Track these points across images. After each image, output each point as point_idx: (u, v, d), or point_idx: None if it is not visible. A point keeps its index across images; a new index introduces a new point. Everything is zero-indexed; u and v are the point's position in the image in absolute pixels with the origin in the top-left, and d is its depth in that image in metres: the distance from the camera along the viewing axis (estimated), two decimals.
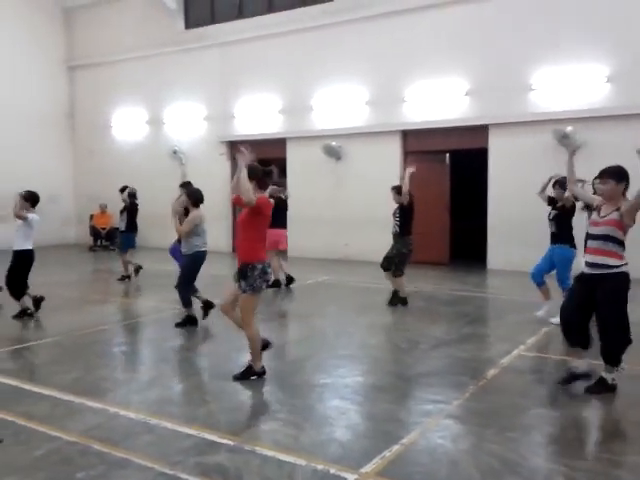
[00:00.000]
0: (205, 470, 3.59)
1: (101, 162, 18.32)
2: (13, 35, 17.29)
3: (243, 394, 5.00)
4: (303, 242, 14.76)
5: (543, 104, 11.83)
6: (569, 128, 11.29)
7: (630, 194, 4.81)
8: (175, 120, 16.95)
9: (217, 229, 15.88)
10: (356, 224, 13.86)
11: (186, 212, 7.66)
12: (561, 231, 7.35)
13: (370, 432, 4.23)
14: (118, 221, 11.57)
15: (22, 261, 7.89)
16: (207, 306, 7.65)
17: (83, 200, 18.76)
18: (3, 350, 6.38)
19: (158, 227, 14.56)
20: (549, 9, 11.67)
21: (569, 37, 11.48)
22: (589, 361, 5.04)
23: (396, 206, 8.64)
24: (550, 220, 7.48)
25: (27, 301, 8.11)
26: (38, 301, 8.18)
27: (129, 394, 5.07)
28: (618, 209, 4.76)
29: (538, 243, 11.10)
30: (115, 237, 11.57)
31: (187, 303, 7.44)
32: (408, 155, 13.76)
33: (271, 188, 8.62)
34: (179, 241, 7.99)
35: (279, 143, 15.18)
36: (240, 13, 15.88)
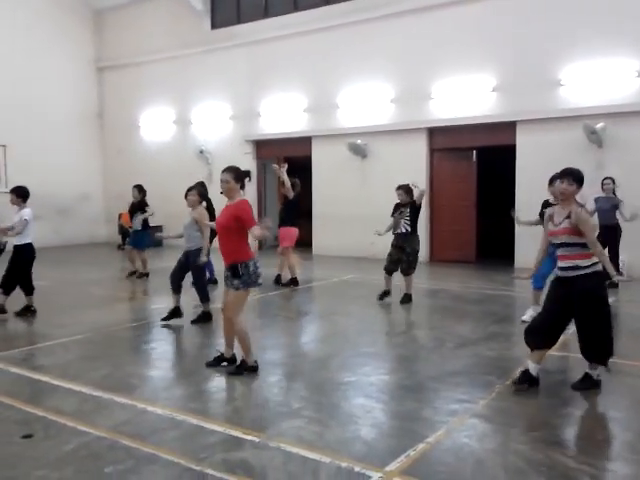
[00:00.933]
0: (230, 466, 3.62)
1: (129, 161, 18.58)
2: (44, 37, 17.64)
3: (268, 391, 5.03)
4: (329, 240, 14.78)
5: (573, 100, 11.65)
6: (600, 124, 11.11)
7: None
8: (201, 120, 17.11)
9: None
10: (382, 222, 13.72)
11: None
12: None
13: (395, 430, 4.22)
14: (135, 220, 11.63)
15: (21, 255, 7.90)
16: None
17: (112, 199, 19.04)
18: (34, 347, 6.52)
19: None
20: (578, 3, 11.48)
21: (598, 31, 11.28)
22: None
23: (404, 206, 8.56)
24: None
25: (31, 298, 8.19)
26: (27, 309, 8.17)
27: (156, 390, 5.14)
28: (569, 216, 4.74)
29: None
30: (143, 236, 11.62)
31: (206, 298, 7.54)
32: (434, 152, 13.68)
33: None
34: None
35: (304, 142, 15.22)
36: (266, 13, 15.95)
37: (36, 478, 3.52)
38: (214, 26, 16.87)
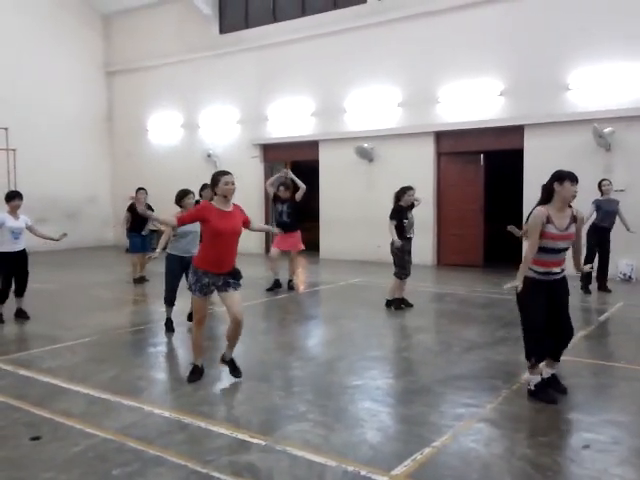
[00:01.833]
0: (237, 469, 3.63)
1: (137, 165, 18.67)
2: (54, 42, 17.77)
3: (274, 395, 5.04)
4: (336, 244, 14.79)
5: (581, 104, 11.62)
6: (608, 129, 11.07)
7: None
8: (209, 124, 17.17)
9: (250, 232, 16.02)
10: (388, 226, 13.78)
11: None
12: None
13: (401, 434, 4.22)
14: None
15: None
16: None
17: (120, 202, 19.11)
18: (43, 349, 6.56)
19: None
20: (585, 7, 11.47)
21: (607, 35, 11.25)
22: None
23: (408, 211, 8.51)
24: None
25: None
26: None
27: (163, 393, 5.16)
28: (575, 220, 4.78)
29: None
30: (150, 239, 11.64)
31: None
32: (442, 156, 13.68)
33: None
34: None
35: (312, 145, 15.24)
36: (274, 17, 16.01)
37: None
38: (222, 31, 16.94)
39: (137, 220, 11.23)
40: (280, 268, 10.42)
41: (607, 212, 9.65)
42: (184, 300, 8.68)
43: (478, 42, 12.63)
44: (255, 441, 4.02)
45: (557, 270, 4.80)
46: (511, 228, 6.07)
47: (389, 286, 8.70)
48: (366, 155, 14.14)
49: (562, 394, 4.85)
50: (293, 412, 4.61)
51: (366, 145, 14.03)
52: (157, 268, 12.02)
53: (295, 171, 17.65)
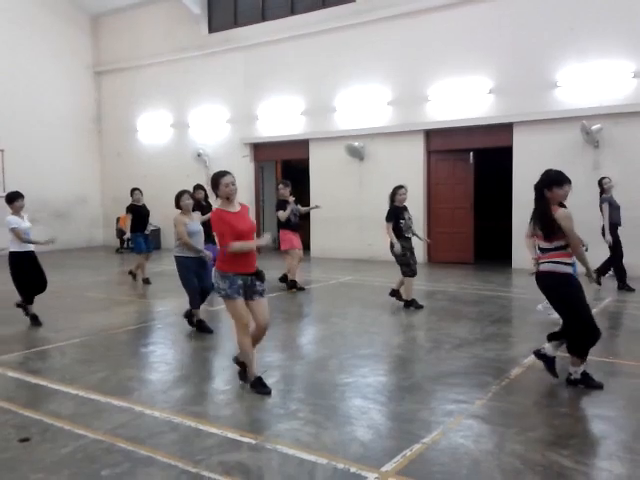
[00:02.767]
0: (227, 468, 3.63)
1: (126, 165, 18.60)
2: (42, 42, 17.66)
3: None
4: (327, 243, 14.81)
5: (569, 101, 11.68)
6: (596, 125, 11.14)
7: None
8: (199, 123, 17.13)
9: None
10: (380, 224, 13.69)
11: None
12: None
13: (391, 431, 4.23)
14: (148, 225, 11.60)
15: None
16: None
17: (110, 203, 19.05)
18: (32, 351, 6.53)
19: None
20: (573, 5, 11.53)
21: (594, 32, 11.32)
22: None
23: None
24: None
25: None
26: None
27: (154, 393, 5.15)
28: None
29: None
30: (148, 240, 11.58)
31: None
32: (432, 154, 13.71)
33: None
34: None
35: (302, 144, 15.24)
36: (263, 16, 15.99)
37: None
38: (211, 30, 16.90)
39: (139, 220, 11.21)
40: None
41: (617, 208, 9.76)
42: (176, 298, 8.67)
43: (467, 40, 12.67)
44: (245, 440, 4.02)
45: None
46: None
47: (404, 287, 8.53)
48: (356, 154, 14.16)
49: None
50: (284, 410, 4.61)
51: (356, 144, 14.05)
52: (155, 267, 12.06)
53: (286, 170, 17.63)
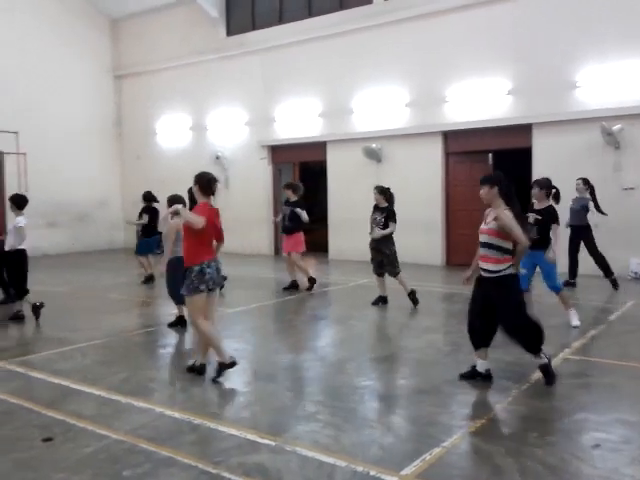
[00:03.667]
0: (247, 470, 3.65)
1: (146, 168, 18.76)
2: (62, 47, 17.88)
3: (284, 395, 5.06)
4: (345, 245, 14.80)
5: (589, 101, 11.55)
6: (616, 126, 11.01)
7: None
8: (217, 126, 17.23)
9: (259, 232, 16.08)
10: (397, 226, 13.75)
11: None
12: (543, 235, 7.15)
13: (411, 435, 4.23)
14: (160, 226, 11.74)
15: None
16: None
17: (130, 205, 19.22)
18: (54, 351, 6.61)
19: None
20: (592, 5, 11.41)
21: (615, 33, 11.18)
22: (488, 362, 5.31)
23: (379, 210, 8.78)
24: (532, 225, 7.13)
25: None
26: (37, 308, 8.24)
27: (174, 394, 5.19)
28: (496, 219, 4.98)
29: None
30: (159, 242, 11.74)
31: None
32: (450, 156, 13.65)
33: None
34: None
35: (319, 146, 15.26)
36: (280, 19, 16.04)
37: None
38: (229, 33, 17.00)
39: (151, 223, 11.39)
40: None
41: (570, 210, 9.88)
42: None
43: (485, 41, 12.59)
44: (265, 442, 4.04)
45: (482, 266, 5.19)
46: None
47: (403, 283, 8.78)
48: (374, 155, 14.14)
49: None
50: (303, 413, 4.63)
51: (374, 145, 14.03)
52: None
53: (303, 172, 17.67)
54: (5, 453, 3.97)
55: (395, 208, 8.92)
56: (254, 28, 16.47)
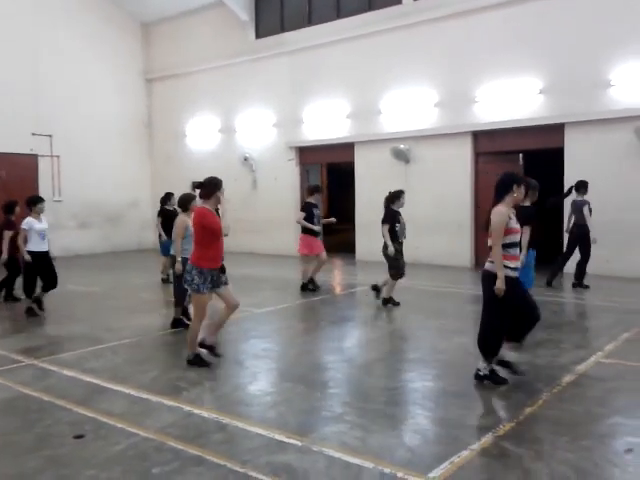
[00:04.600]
0: (274, 469, 3.66)
1: (176, 169, 18.96)
2: (94, 51, 18.21)
3: (312, 396, 5.06)
4: (373, 245, 14.70)
5: (623, 100, 11.31)
6: None
7: None
8: (246, 127, 17.34)
9: (286, 233, 16.12)
10: (426, 227, 13.68)
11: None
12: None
13: (439, 437, 4.19)
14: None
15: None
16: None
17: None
18: (86, 350, 6.72)
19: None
20: (627, 1, 11.17)
21: None
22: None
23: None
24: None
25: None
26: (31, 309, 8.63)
27: (203, 393, 5.23)
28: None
29: (617, 246, 10.67)
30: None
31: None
32: (479, 156, 13.51)
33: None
34: None
35: (347, 147, 15.24)
36: (309, 21, 16.08)
37: (86, 477, 3.64)
38: (258, 35, 17.09)
39: (167, 224, 11.41)
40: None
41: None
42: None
43: (516, 40, 12.43)
44: (292, 442, 4.05)
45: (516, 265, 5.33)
46: None
47: (387, 287, 8.97)
48: (402, 156, 14.06)
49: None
50: (330, 413, 4.62)
51: (402, 146, 13.96)
52: None
53: (331, 173, 17.64)
54: (38, 450, 4.04)
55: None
56: (283, 30, 16.54)
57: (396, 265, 8.76)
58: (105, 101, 18.47)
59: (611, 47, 11.36)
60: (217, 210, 5.84)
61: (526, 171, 13.12)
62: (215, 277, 5.77)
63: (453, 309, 8.63)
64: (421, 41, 13.76)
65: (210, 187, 5.77)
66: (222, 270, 5.87)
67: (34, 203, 8.58)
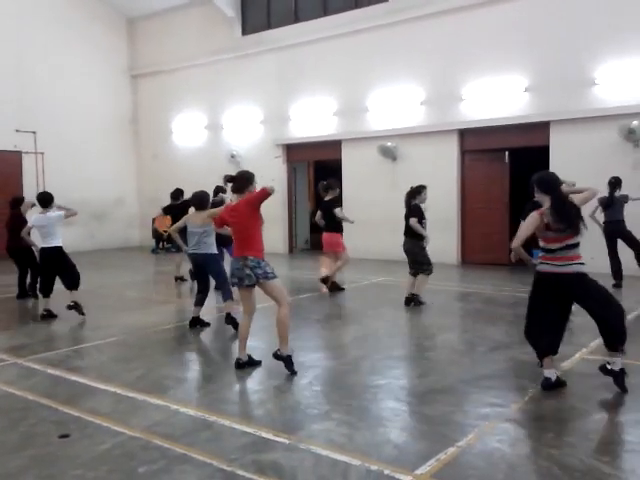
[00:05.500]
0: (261, 467, 3.65)
1: (162, 166, 18.87)
2: (79, 47, 18.04)
3: (298, 394, 5.06)
4: (361, 243, 14.74)
5: (608, 98, 11.41)
6: (635, 122, 10.87)
7: None
8: (233, 124, 17.28)
9: (274, 231, 16.08)
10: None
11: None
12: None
13: (425, 434, 4.20)
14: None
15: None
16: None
17: (146, 203, 19.35)
18: (71, 348, 6.68)
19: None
20: (611, 0, 11.27)
21: (634, 29, 11.04)
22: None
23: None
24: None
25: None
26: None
27: (189, 392, 5.22)
28: None
29: (600, 243, 10.74)
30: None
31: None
32: (466, 154, 13.57)
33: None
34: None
35: (334, 145, 15.24)
36: (295, 18, 16.04)
37: (72, 477, 3.60)
38: (245, 32, 17.03)
39: (176, 221, 11.40)
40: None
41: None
42: (211, 298, 8.75)
43: (501, 38, 12.49)
44: (279, 440, 4.04)
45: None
46: None
47: (419, 284, 8.72)
48: (389, 154, 14.09)
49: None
50: (317, 411, 4.62)
51: (389, 144, 13.98)
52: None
53: (318, 171, 17.64)
54: (22, 449, 4.00)
55: (403, 207, 9.09)
56: (269, 27, 16.49)
57: (428, 260, 8.70)
58: (90, 97, 18.31)
59: (596, 46, 11.45)
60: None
61: (512, 169, 13.22)
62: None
63: (440, 306, 8.66)
64: (407, 39, 13.78)
65: (242, 181, 5.65)
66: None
67: (20, 203, 8.58)
